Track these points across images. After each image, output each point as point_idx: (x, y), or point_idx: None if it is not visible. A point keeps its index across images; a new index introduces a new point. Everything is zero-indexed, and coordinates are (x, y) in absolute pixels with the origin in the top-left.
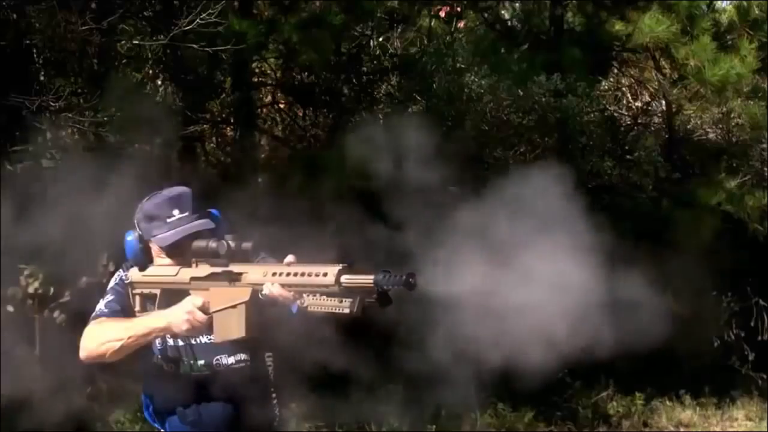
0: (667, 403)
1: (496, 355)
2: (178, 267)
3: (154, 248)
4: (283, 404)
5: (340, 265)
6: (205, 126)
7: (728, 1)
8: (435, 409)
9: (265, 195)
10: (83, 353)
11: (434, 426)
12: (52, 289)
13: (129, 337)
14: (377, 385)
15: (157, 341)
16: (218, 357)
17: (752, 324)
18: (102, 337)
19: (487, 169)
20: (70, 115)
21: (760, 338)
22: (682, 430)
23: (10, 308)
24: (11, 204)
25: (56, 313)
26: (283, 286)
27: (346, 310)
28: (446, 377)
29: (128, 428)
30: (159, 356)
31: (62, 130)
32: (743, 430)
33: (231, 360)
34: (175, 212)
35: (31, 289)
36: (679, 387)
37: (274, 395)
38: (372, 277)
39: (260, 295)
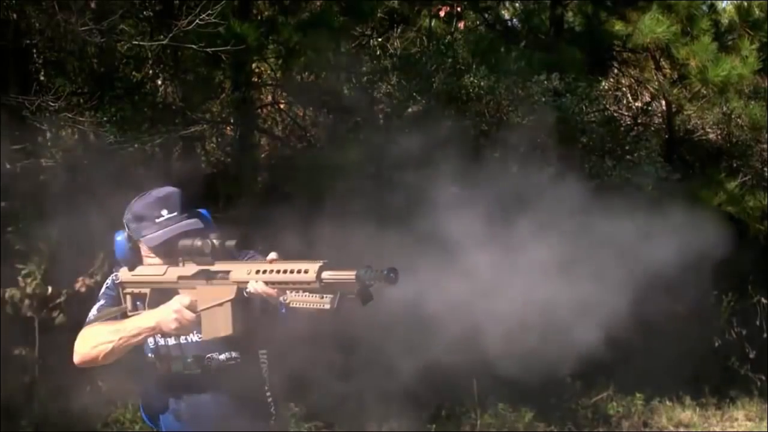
0: (667, 403)
1: (499, 350)
2: (166, 266)
3: (144, 248)
4: (281, 403)
5: (321, 261)
6: (205, 126)
7: (728, 1)
8: (435, 409)
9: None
10: (77, 357)
11: (434, 426)
12: (49, 289)
13: (120, 339)
14: (377, 385)
15: (150, 341)
16: (209, 355)
17: (757, 323)
18: (93, 340)
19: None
20: (70, 115)
21: (765, 335)
22: (682, 430)
23: (9, 309)
24: None
25: (55, 313)
26: (267, 283)
27: (327, 306)
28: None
29: (128, 428)
30: (151, 356)
31: (62, 130)
32: (743, 430)
33: (222, 357)
34: (164, 212)
35: (29, 290)
36: (679, 387)
37: (269, 393)
38: (354, 272)
39: (245, 293)
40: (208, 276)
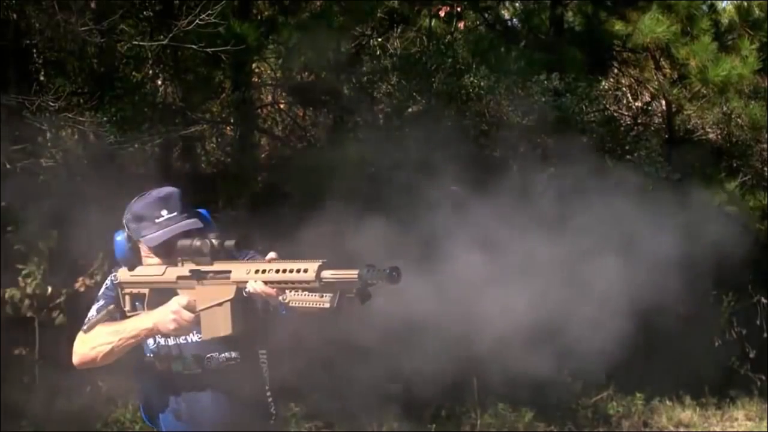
0: (667, 403)
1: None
2: (165, 266)
3: (143, 248)
4: (281, 402)
5: (320, 261)
6: (205, 126)
7: (728, 1)
8: (435, 409)
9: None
10: (76, 359)
11: (434, 426)
12: (49, 289)
13: (118, 340)
14: (377, 385)
15: (150, 341)
16: (209, 355)
17: (757, 323)
18: (92, 341)
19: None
20: (70, 115)
21: (765, 335)
22: (682, 430)
23: (9, 309)
24: None
25: (55, 314)
26: (266, 283)
27: (326, 305)
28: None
29: (128, 428)
30: (151, 356)
31: (62, 130)
32: (743, 430)
33: (222, 357)
34: (164, 212)
35: (29, 290)
36: (679, 387)
37: (269, 393)
38: (356, 271)
39: (244, 293)
40: (199, 276)
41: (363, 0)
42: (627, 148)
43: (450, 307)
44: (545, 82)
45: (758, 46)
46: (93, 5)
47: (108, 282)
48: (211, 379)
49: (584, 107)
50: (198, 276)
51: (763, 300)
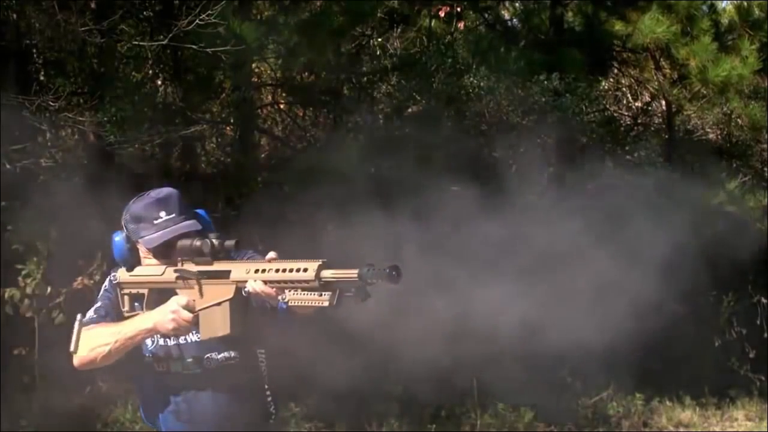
0: (667, 403)
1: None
2: (164, 266)
3: (142, 249)
4: (280, 402)
5: (320, 260)
6: (205, 126)
7: (728, 1)
8: (435, 409)
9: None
10: (76, 360)
11: (434, 426)
12: (49, 289)
13: (117, 341)
14: (377, 385)
15: (148, 341)
16: (208, 355)
17: (757, 323)
18: (91, 343)
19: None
20: (70, 115)
21: (766, 335)
22: (682, 430)
23: (9, 309)
24: None
25: (55, 313)
26: (265, 282)
27: (326, 304)
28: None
29: (128, 428)
30: (150, 356)
31: (62, 130)
32: (743, 430)
33: (220, 357)
34: (162, 214)
35: (29, 290)
36: (679, 387)
37: (268, 392)
38: (355, 271)
39: (243, 292)
40: (207, 276)
41: (363, 0)
42: (627, 148)
43: (450, 307)
44: (545, 82)
45: (758, 46)
46: (93, 5)
47: (107, 283)
48: (210, 379)
49: (584, 107)
50: (214, 276)
51: (763, 300)
